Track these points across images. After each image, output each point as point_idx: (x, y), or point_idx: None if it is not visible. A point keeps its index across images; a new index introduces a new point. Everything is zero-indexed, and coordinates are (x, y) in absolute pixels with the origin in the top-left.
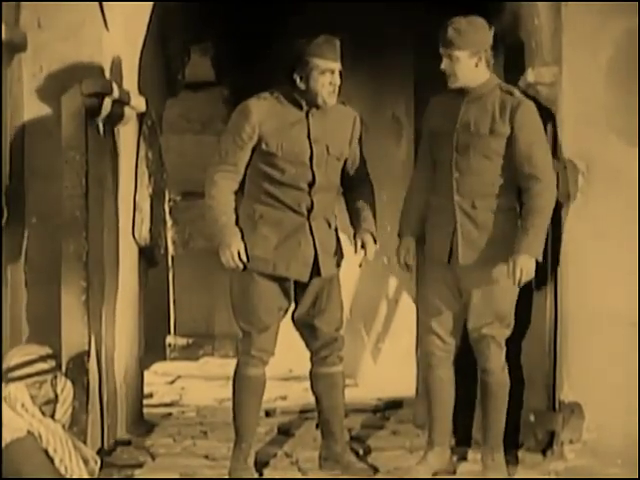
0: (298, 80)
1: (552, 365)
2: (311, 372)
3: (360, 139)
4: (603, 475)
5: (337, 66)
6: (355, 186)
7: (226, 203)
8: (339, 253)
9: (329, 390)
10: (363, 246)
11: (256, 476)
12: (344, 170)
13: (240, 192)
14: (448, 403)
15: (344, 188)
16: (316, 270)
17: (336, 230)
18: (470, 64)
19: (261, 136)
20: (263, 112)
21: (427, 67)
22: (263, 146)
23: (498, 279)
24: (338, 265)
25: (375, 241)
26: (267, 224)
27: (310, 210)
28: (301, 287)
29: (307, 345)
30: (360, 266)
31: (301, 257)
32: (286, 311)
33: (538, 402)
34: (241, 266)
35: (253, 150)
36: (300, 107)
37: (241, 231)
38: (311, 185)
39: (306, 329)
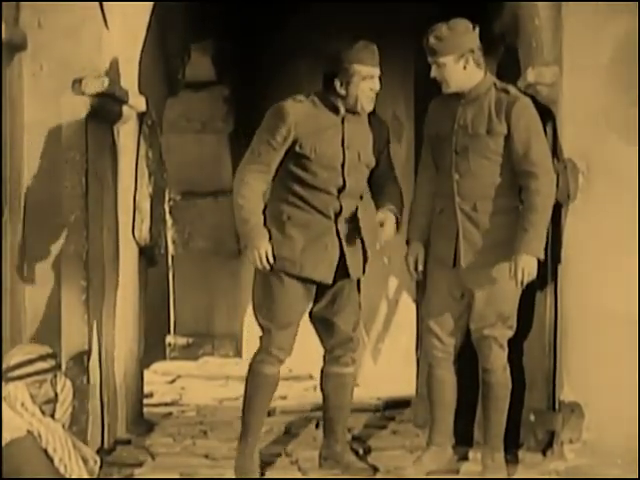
0: (338, 86)
1: (552, 365)
2: (322, 370)
3: (388, 146)
4: (603, 475)
5: (377, 72)
6: (384, 189)
7: (256, 204)
8: (364, 256)
9: (338, 390)
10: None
11: (259, 472)
12: (374, 175)
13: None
14: (448, 403)
15: (373, 193)
16: (340, 272)
17: (360, 233)
18: (458, 68)
19: (296, 138)
20: (299, 114)
21: (427, 67)
22: (297, 148)
23: (501, 281)
24: (363, 268)
25: (398, 225)
26: (295, 225)
27: (338, 214)
28: (325, 288)
29: (322, 342)
30: (377, 248)
31: (327, 259)
32: (305, 311)
33: (538, 402)
34: (268, 267)
35: (287, 152)
36: (336, 112)
37: (269, 230)
38: (341, 190)
39: (323, 326)
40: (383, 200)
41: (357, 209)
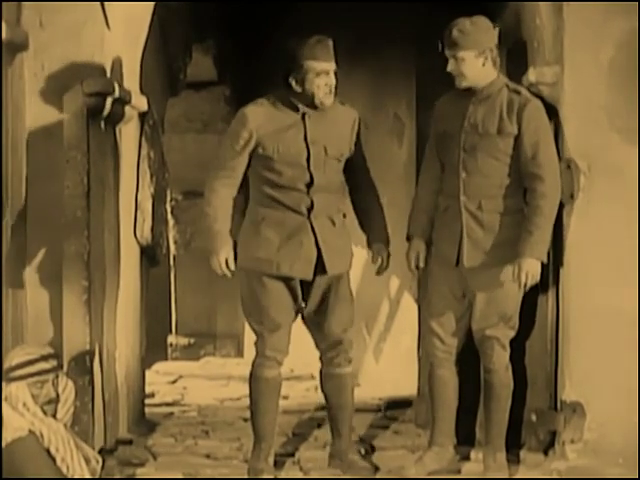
0: (294, 83)
1: (554, 364)
2: (321, 371)
3: (359, 139)
4: (605, 474)
5: (332, 67)
6: (359, 189)
7: (222, 210)
8: (347, 252)
9: (337, 391)
10: (380, 256)
11: (275, 474)
12: (347, 172)
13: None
14: (449, 403)
15: (349, 191)
16: (321, 268)
17: (345, 229)
18: (477, 64)
19: (258, 141)
20: (259, 118)
21: (428, 66)
22: (260, 151)
23: (504, 282)
24: (348, 264)
25: (388, 248)
26: (269, 225)
27: (310, 209)
28: (309, 286)
29: (315, 345)
30: (378, 274)
31: (304, 256)
32: (298, 311)
33: (540, 402)
34: (228, 274)
35: (252, 155)
36: (296, 110)
37: (246, 232)
38: (309, 185)
39: (314, 328)
40: (369, 228)
41: (334, 204)
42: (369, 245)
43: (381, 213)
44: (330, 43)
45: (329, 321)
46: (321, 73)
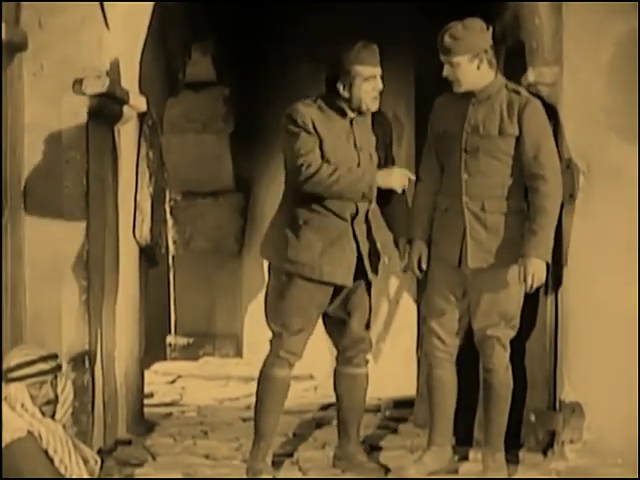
0: (341, 89)
1: (553, 365)
2: (335, 371)
3: (392, 141)
4: (604, 475)
5: (378, 71)
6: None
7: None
8: (378, 255)
9: (351, 391)
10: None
11: (274, 474)
12: None
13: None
14: (448, 403)
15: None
16: (358, 274)
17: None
18: (472, 68)
19: (319, 137)
20: (314, 117)
21: (428, 67)
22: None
23: (505, 280)
24: (377, 268)
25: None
26: (312, 229)
27: (354, 216)
28: (338, 288)
29: (334, 343)
30: (404, 271)
31: (346, 262)
32: (319, 316)
33: (539, 402)
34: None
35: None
36: (343, 115)
37: (285, 235)
38: None
39: (335, 326)
40: (397, 224)
41: (368, 208)
42: (395, 242)
43: (407, 208)
44: (376, 47)
45: (352, 320)
46: (369, 78)
